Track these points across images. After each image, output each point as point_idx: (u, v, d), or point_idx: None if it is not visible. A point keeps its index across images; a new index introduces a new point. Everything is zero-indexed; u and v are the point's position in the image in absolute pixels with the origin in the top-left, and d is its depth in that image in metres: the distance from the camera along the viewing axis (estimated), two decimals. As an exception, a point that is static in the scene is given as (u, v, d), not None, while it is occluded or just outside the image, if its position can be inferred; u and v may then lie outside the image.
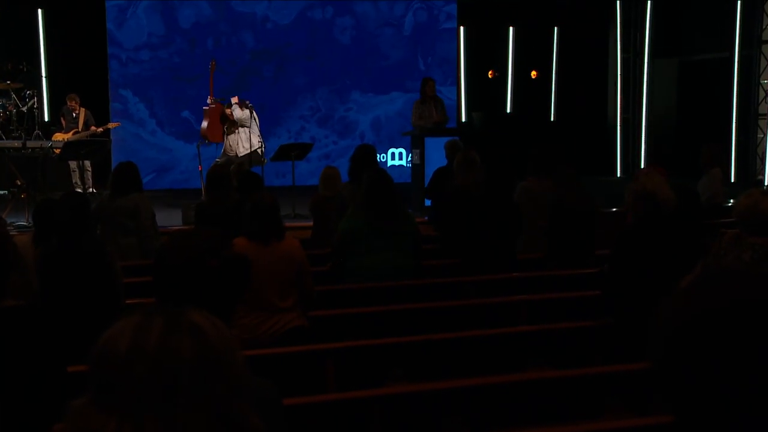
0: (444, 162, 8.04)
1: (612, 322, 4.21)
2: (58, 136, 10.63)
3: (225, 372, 1.10)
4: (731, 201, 7.98)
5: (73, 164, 10.72)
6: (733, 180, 12.86)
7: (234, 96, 9.94)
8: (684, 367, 1.02)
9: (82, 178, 10.84)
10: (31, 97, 11.22)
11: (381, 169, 5.89)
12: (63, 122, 10.96)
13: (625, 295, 4.08)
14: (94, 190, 10.30)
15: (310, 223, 7.09)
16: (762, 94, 13.13)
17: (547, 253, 5.97)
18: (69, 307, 4.03)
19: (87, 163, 10.80)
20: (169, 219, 9.16)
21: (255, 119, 9.62)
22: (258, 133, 9.63)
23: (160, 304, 1.14)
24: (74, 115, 10.88)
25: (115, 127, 11.14)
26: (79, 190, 10.54)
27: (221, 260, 1.86)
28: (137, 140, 12.60)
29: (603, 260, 5.79)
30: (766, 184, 12.56)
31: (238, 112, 9.53)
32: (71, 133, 10.75)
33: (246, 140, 9.53)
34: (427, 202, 8.53)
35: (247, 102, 9.91)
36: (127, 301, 4.33)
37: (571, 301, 4.97)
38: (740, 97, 13.10)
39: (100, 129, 10.92)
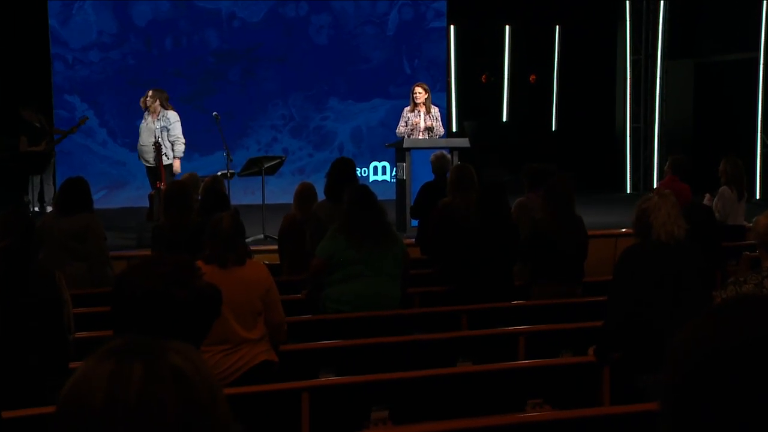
0: (431, 177, 8.14)
1: (618, 357, 4.29)
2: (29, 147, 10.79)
3: (210, 421, 1.11)
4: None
5: (36, 179, 10.85)
6: (757, 197, 12.96)
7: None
8: (700, 409, 1.03)
9: (41, 194, 10.96)
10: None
11: (363, 185, 5.96)
12: (24, 140, 10.93)
13: (629, 327, 4.15)
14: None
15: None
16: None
17: (528, 281, 6.05)
18: (9, 344, 4.05)
19: (49, 177, 10.96)
20: (123, 242, 9.19)
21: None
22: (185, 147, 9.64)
23: (133, 342, 1.15)
24: (37, 125, 10.94)
25: (83, 124, 11.19)
26: (37, 209, 10.68)
27: (190, 291, 1.89)
28: (86, 152, 12.62)
29: (596, 288, 5.89)
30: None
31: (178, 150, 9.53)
32: (44, 143, 10.84)
33: (148, 152, 9.55)
34: (414, 222, 8.60)
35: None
36: (77, 335, 4.36)
37: (572, 333, 5.05)
38: (765, 103, 13.24)
39: (75, 129, 11.03)
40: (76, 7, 12.55)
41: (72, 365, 3.78)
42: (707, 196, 8.27)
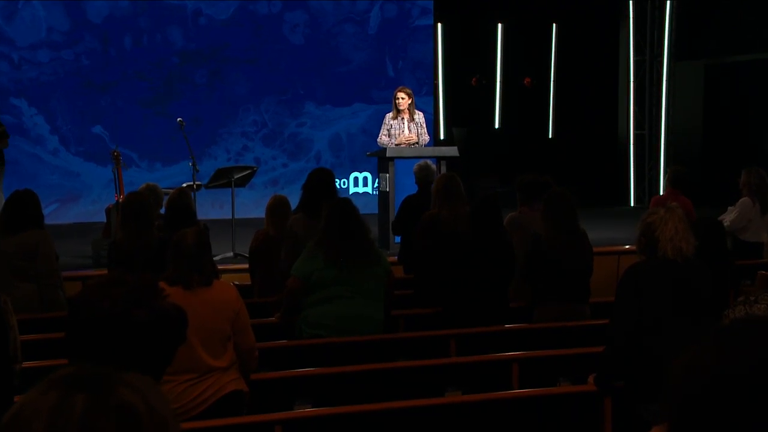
0: (415, 189, 8.16)
1: (621, 385, 4.31)
2: None
3: None
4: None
5: None
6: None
7: None
8: None
9: None
10: None
11: (345, 198, 5.97)
12: None
13: (633, 353, 4.18)
14: None
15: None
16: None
17: (529, 302, 6.07)
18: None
19: None
20: (77, 261, 9.16)
21: None
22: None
23: (80, 373, 1.17)
24: None
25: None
26: None
27: (151, 313, 1.89)
28: (35, 162, 12.56)
29: (596, 310, 5.93)
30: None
31: None
32: None
33: None
34: (397, 239, 8.62)
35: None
36: (24, 365, 4.34)
37: (571, 359, 5.06)
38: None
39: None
40: (22, 1, 12.51)
41: (17, 398, 3.76)
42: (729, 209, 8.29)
